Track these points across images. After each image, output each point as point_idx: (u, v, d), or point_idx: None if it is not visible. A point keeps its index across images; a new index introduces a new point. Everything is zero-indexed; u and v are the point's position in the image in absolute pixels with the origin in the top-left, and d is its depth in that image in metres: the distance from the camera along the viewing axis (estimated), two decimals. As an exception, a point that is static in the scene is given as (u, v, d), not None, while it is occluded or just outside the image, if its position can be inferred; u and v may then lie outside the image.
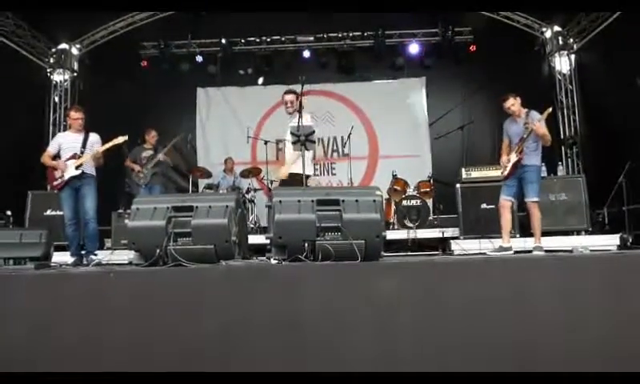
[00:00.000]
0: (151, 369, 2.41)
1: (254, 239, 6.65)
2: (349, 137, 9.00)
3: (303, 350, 2.48)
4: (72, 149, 5.87)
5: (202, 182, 9.53)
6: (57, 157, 5.90)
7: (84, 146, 5.90)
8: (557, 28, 9.66)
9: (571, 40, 9.60)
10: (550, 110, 5.57)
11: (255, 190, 8.89)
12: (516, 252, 5.69)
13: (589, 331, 2.46)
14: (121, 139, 6.02)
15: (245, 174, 9.02)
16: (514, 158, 5.57)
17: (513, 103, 5.64)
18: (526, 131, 5.48)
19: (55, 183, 5.83)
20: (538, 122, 5.43)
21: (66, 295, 2.65)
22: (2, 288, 2.70)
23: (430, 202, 8.22)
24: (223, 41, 9.94)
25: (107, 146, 5.96)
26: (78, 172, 5.79)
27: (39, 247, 5.11)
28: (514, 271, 2.72)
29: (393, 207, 8.09)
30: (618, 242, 6.56)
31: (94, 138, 6.01)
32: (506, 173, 5.68)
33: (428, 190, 8.25)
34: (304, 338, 2.49)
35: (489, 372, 2.37)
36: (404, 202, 7.78)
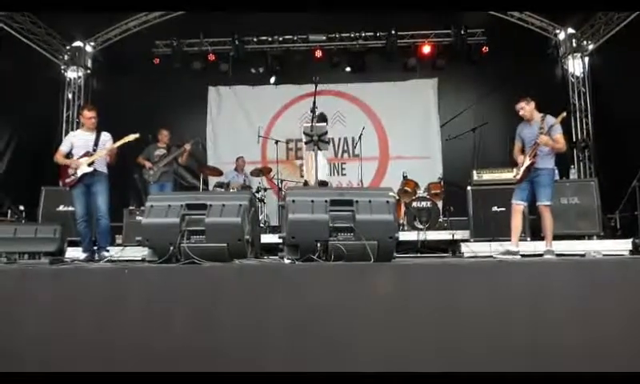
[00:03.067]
0: (163, 368, 2.42)
1: (264, 238, 6.67)
2: (360, 138, 8.95)
3: (315, 350, 2.48)
4: (84, 147, 5.93)
5: (213, 181, 9.57)
6: (69, 156, 5.96)
7: (96, 144, 5.96)
8: (570, 30, 9.59)
9: (585, 43, 9.52)
10: (565, 114, 5.50)
11: (265, 190, 8.87)
12: (524, 256, 5.63)
13: (602, 334, 2.45)
14: (132, 137, 6.08)
15: (255, 173, 9.05)
16: (527, 161, 5.51)
17: (522, 107, 5.56)
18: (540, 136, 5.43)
19: (68, 180, 5.89)
20: (552, 126, 5.39)
21: (82, 290, 2.68)
22: (18, 282, 2.74)
23: (440, 203, 8.17)
24: (235, 40, 9.95)
25: (119, 143, 6.03)
26: (90, 169, 5.84)
27: (54, 242, 5.15)
28: (529, 274, 2.70)
29: (403, 208, 8.06)
30: (630, 247, 6.50)
31: (105, 136, 6.08)
32: (519, 176, 5.63)
33: (438, 191, 8.21)
34: (316, 338, 2.49)
35: (504, 372, 2.37)
36: (414, 204, 7.73)
